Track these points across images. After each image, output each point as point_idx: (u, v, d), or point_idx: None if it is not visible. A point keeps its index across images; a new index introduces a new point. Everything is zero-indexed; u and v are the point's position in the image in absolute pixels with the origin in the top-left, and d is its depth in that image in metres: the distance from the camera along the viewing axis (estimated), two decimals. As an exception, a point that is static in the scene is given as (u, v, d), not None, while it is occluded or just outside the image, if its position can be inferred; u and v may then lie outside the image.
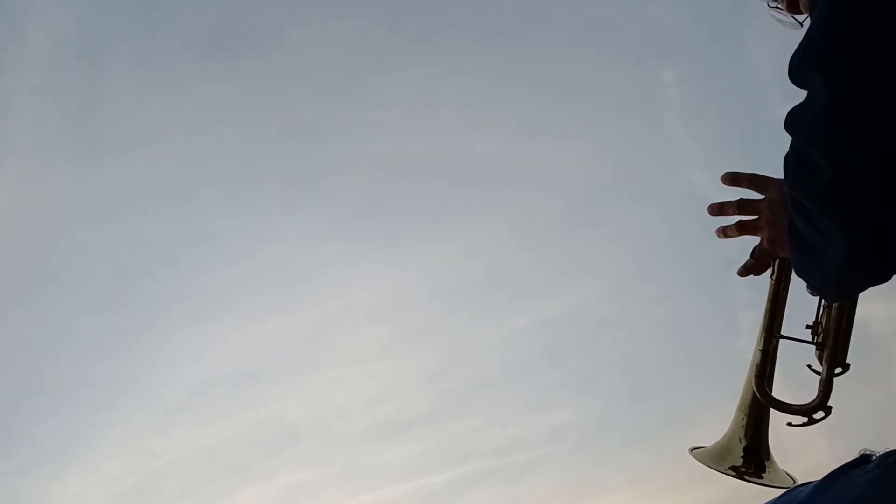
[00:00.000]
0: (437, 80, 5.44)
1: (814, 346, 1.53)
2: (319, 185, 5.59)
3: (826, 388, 1.48)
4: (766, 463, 1.66)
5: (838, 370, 1.49)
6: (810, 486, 1.28)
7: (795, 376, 1.60)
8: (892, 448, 1.22)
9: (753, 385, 1.58)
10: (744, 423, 1.65)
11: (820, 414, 1.48)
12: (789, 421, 1.51)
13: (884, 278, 1.08)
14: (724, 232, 1.48)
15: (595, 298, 5.60)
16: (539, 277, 5.62)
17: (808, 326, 1.54)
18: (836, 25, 0.99)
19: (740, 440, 1.65)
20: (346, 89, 5.45)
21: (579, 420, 5.54)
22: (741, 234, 1.46)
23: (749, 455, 1.65)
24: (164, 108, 5.34)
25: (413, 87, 5.45)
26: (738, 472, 1.65)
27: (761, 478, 1.65)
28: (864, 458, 1.23)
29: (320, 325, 5.66)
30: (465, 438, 5.60)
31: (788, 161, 1.08)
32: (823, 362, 1.50)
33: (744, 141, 4.76)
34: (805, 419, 1.49)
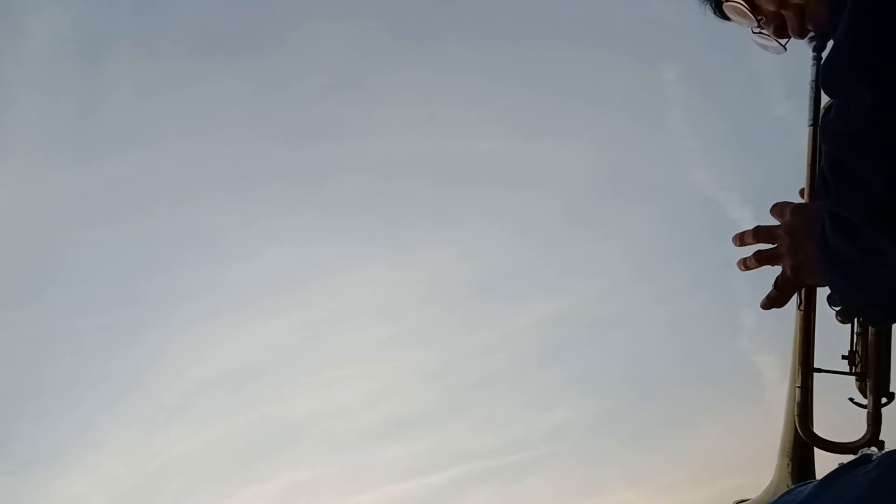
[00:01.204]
0: (437, 80, 5.44)
1: (854, 377, 1.44)
2: (320, 185, 5.59)
3: (875, 422, 1.40)
4: None
5: (884, 400, 1.41)
6: (810, 486, 1.28)
7: (830, 407, 1.52)
8: (892, 448, 1.22)
9: (797, 425, 1.45)
10: (790, 469, 1.52)
11: (873, 450, 1.38)
12: (841, 462, 1.35)
13: None
14: (745, 264, 1.41)
15: (595, 298, 5.60)
16: (539, 277, 5.62)
17: (843, 357, 1.46)
18: (870, 27, 0.97)
19: (788, 486, 1.51)
20: (346, 88, 5.45)
21: (579, 420, 5.54)
22: (761, 265, 1.39)
23: None
24: (164, 106, 5.33)
25: (413, 87, 5.45)
26: None
27: None
28: (864, 458, 1.22)
29: (320, 324, 5.66)
30: (465, 438, 5.60)
31: (826, 177, 1.02)
32: (868, 394, 1.42)
33: (745, 139, 4.76)
34: (856, 457, 1.35)
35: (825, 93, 1.03)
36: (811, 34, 1.35)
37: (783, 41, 1.42)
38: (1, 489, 5.29)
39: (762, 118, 4.58)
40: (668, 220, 5.29)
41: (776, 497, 1.38)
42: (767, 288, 1.44)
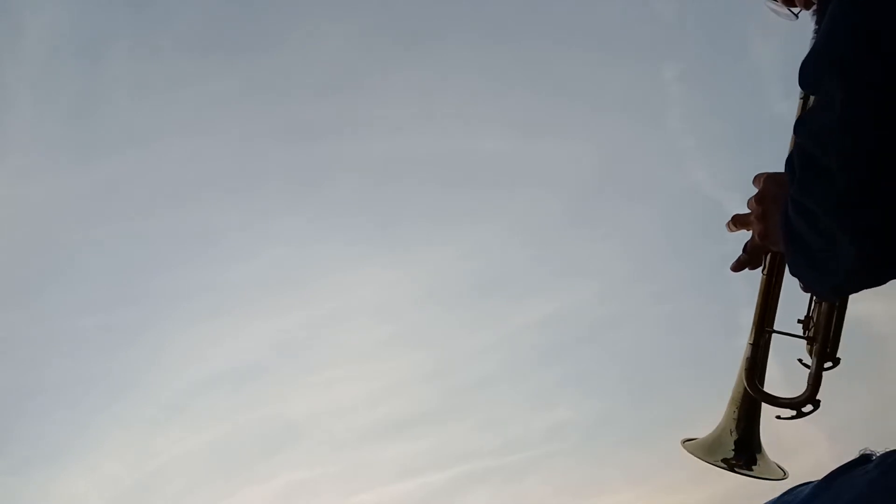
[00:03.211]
0: (436, 79, 5.44)
1: (805, 341, 1.53)
2: (319, 185, 5.59)
3: (815, 383, 1.49)
4: (757, 456, 1.67)
5: (828, 364, 1.49)
6: (810, 486, 1.28)
7: (790, 369, 1.59)
8: (892, 448, 1.22)
9: (744, 379, 1.58)
10: (735, 416, 1.67)
11: (808, 408, 1.48)
12: (778, 414, 1.52)
13: (884, 282, 1.08)
14: (728, 225, 1.49)
15: (595, 297, 5.59)
16: (538, 277, 5.62)
17: (799, 321, 1.54)
18: (849, 28, 0.98)
19: (731, 433, 1.67)
20: (345, 88, 5.45)
21: (579, 419, 5.54)
22: (737, 229, 1.47)
23: (740, 448, 1.66)
24: (163, 106, 5.33)
25: (413, 86, 5.45)
26: (729, 465, 1.67)
27: (752, 470, 1.66)
28: (864, 458, 1.22)
29: (320, 324, 5.66)
30: (464, 438, 5.59)
31: (793, 164, 1.07)
32: (813, 356, 1.50)
33: (745, 138, 4.76)
34: (793, 412, 1.50)
35: (800, 86, 1.06)
36: (814, 6, 1.34)
37: (794, 10, 1.43)
38: (0, 489, 5.30)
39: (762, 117, 4.58)
40: (668, 219, 5.29)
41: (776, 497, 1.38)
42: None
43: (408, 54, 5.41)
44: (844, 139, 0.96)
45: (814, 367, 1.49)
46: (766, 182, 1.34)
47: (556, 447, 5.48)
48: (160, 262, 5.57)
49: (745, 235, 1.51)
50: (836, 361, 1.49)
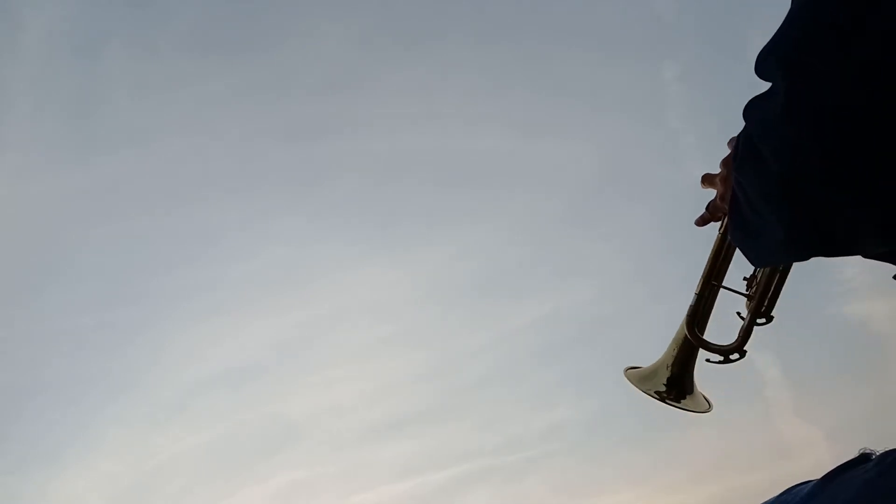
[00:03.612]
0: (435, 78, 5.44)
1: (745, 298, 1.66)
2: (318, 184, 5.59)
3: (744, 335, 1.64)
4: (688, 394, 1.83)
5: (762, 321, 1.63)
6: (809, 484, 1.27)
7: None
8: (891, 447, 1.21)
9: (685, 324, 1.74)
10: (674, 354, 1.82)
11: (735, 356, 1.65)
12: (708, 358, 1.70)
13: (803, 259, 1.18)
14: (701, 181, 1.57)
15: (594, 297, 5.59)
16: (537, 276, 5.62)
17: (745, 279, 1.67)
18: (801, 26, 1.01)
19: (667, 368, 1.83)
20: (345, 87, 5.45)
21: (578, 419, 5.54)
22: (705, 186, 1.54)
23: (672, 383, 1.83)
24: (162, 104, 5.33)
25: (412, 85, 5.45)
26: (660, 396, 1.84)
27: (679, 403, 1.82)
28: (864, 458, 1.22)
29: (319, 323, 5.66)
30: (464, 437, 5.60)
31: (739, 144, 1.12)
32: (748, 311, 1.64)
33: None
34: (721, 358, 1.67)
35: (756, 73, 1.08)
36: None
37: None
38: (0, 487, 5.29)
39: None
40: (667, 218, 5.29)
41: (775, 496, 1.38)
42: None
43: (407, 53, 5.42)
44: (782, 130, 1.00)
45: (746, 320, 1.64)
46: (734, 146, 1.38)
47: (555, 447, 5.49)
48: (160, 261, 5.58)
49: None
50: (770, 319, 1.63)
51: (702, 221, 1.61)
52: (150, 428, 5.55)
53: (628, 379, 1.87)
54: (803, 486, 1.29)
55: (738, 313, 1.67)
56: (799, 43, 1.00)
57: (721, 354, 1.67)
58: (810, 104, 0.97)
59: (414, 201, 5.64)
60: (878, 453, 1.22)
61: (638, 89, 5.24)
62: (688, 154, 5.09)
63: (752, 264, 1.48)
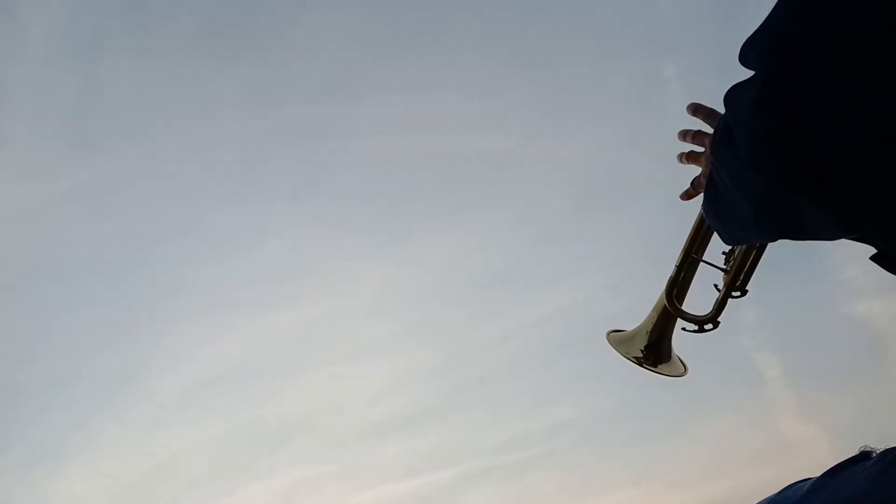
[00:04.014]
0: (439, 73, 5.43)
1: (722, 272, 1.72)
2: (320, 179, 5.59)
3: (719, 306, 1.71)
4: (665, 360, 1.91)
5: (737, 294, 1.69)
6: (809, 482, 1.27)
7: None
8: (892, 445, 1.21)
9: (664, 293, 1.81)
10: (653, 322, 1.90)
11: (709, 326, 1.72)
12: (683, 327, 1.77)
13: (772, 240, 1.25)
14: (680, 157, 1.60)
15: (599, 293, 5.59)
16: (544, 271, 5.61)
17: (723, 253, 1.72)
18: (779, 20, 1.03)
19: (647, 335, 1.91)
20: (347, 81, 5.44)
21: (582, 417, 5.53)
22: (689, 164, 1.58)
23: (650, 348, 1.90)
24: (162, 100, 5.33)
25: (416, 79, 5.45)
26: (638, 361, 1.91)
27: (655, 367, 1.90)
28: (864, 455, 1.22)
29: (321, 320, 5.66)
30: (467, 435, 5.60)
31: (719, 126, 1.14)
32: (724, 284, 1.71)
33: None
34: (696, 328, 1.74)
35: (740, 62, 1.10)
36: None
37: None
38: (-1, 487, 5.29)
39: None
40: (670, 215, 5.28)
41: (775, 493, 1.37)
42: (766, 289, 1.71)
43: (411, 47, 5.41)
44: (754, 120, 1.02)
45: (722, 293, 1.71)
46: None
47: (558, 445, 5.49)
48: (158, 256, 5.58)
49: None
50: (745, 292, 1.69)
51: (686, 196, 1.64)
52: (150, 426, 5.56)
53: (609, 342, 1.94)
54: (803, 483, 1.29)
55: (715, 285, 1.73)
56: (778, 36, 1.02)
57: (696, 324, 1.74)
58: (782, 99, 0.99)
59: (420, 196, 5.64)
60: (878, 451, 1.21)
61: (639, 87, 5.24)
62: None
63: (723, 241, 1.51)
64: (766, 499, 1.36)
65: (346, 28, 5.37)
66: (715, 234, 1.66)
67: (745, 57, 1.08)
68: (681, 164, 1.61)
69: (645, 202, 5.42)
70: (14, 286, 5.42)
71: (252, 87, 5.38)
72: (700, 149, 1.55)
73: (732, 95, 1.10)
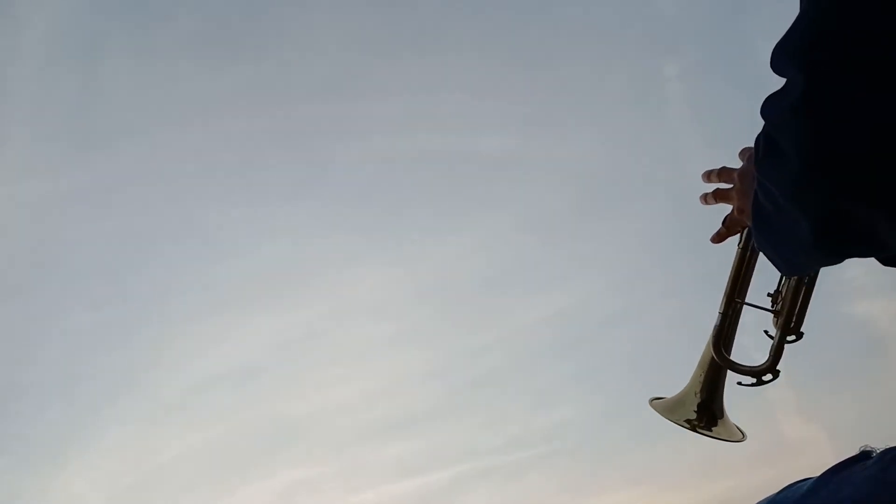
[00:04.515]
0: (439, 73, 5.42)
1: (772, 314, 1.60)
2: (320, 180, 5.58)
3: (776, 354, 1.57)
4: (719, 420, 1.76)
5: (792, 338, 1.57)
6: (809, 481, 1.27)
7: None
8: (892, 445, 1.21)
9: (711, 346, 1.67)
10: (701, 380, 1.76)
11: (768, 377, 1.58)
12: (739, 381, 1.62)
13: (837, 262, 1.13)
14: (705, 198, 1.52)
15: (599, 294, 5.59)
16: (543, 273, 5.61)
17: (769, 295, 1.60)
18: (815, 17, 0.99)
19: (696, 395, 1.76)
20: (347, 81, 5.44)
21: (582, 418, 5.53)
22: (717, 202, 1.50)
23: (702, 410, 1.76)
24: (162, 100, 5.33)
25: (415, 80, 5.44)
26: (691, 425, 1.76)
27: (711, 431, 1.76)
28: (864, 455, 1.22)
29: (321, 321, 5.65)
30: (467, 436, 5.59)
31: (759, 142, 1.09)
32: (777, 329, 1.58)
33: (747, 135, 4.72)
34: (754, 380, 1.59)
35: (772, 69, 1.06)
36: None
37: None
38: (-1, 487, 5.29)
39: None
40: (672, 215, 5.28)
41: (775, 493, 1.37)
42: (767, 289, 1.59)
43: (410, 47, 5.41)
44: (801, 123, 0.98)
45: (776, 338, 1.58)
46: (749, 160, 1.38)
47: (558, 446, 5.48)
48: (159, 257, 5.58)
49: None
50: (800, 335, 1.57)
51: (718, 238, 1.56)
52: (150, 427, 5.55)
53: (655, 410, 1.79)
54: (803, 482, 1.29)
55: (766, 332, 1.60)
56: (813, 36, 0.98)
57: (753, 376, 1.60)
58: (830, 92, 0.95)
59: (416, 199, 5.64)
60: (878, 451, 1.21)
61: (639, 86, 5.24)
62: (689, 151, 5.08)
63: (782, 272, 1.43)
64: (766, 499, 1.36)
65: (346, 28, 5.37)
66: (754, 273, 1.63)
67: (780, 61, 1.03)
68: (702, 202, 1.53)
69: (645, 202, 5.42)
70: (14, 286, 5.42)
71: (252, 87, 5.38)
72: (727, 185, 1.47)
73: (770, 104, 1.06)
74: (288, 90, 5.42)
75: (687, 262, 5.18)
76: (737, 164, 1.46)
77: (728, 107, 5.00)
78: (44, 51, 5.16)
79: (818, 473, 1.28)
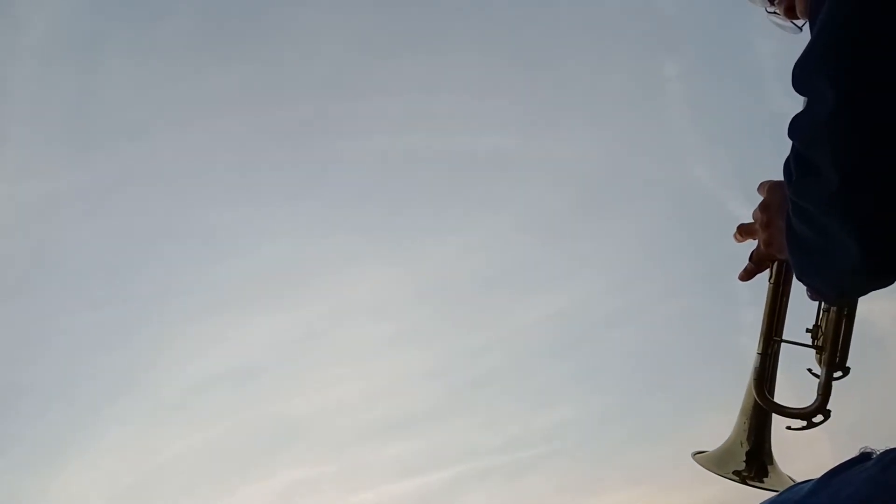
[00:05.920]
0: (439, 72, 5.42)
1: (814, 350, 1.53)
2: (319, 180, 5.58)
3: (825, 392, 1.50)
4: (769, 467, 1.67)
5: (838, 374, 1.50)
6: (810, 483, 1.27)
7: (801, 379, 1.59)
8: (892, 446, 1.21)
9: (753, 389, 1.59)
10: (746, 427, 1.66)
11: (819, 418, 1.50)
12: (788, 425, 1.54)
13: (889, 282, 1.07)
14: (734, 236, 1.50)
15: (599, 294, 5.58)
16: (542, 272, 5.61)
17: (808, 330, 1.54)
18: (841, 30, 0.98)
19: (742, 444, 1.66)
20: (346, 81, 5.43)
21: (581, 418, 5.53)
22: (743, 238, 1.47)
23: (751, 459, 1.66)
24: (162, 100, 5.33)
25: (414, 79, 5.44)
26: (741, 477, 1.65)
27: (763, 482, 1.65)
28: (864, 456, 1.22)
29: (321, 321, 5.65)
30: (466, 436, 5.58)
31: (790, 166, 1.07)
32: (822, 366, 1.51)
33: (746, 135, 4.74)
34: (804, 423, 1.51)
35: (794, 89, 1.05)
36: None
37: (798, 22, 1.41)
38: (-1, 487, 5.29)
39: (763, 114, 4.56)
40: (671, 215, 5.28)
41: (775, 495, 1.37)
42: (766, 289, 1.55)
43: (409, 47, 5.41)
44: (833, 136, 0.96)
45: (823, 376, 1.50)
46: (770, 190, 1.35)
47: (557, 446, 5.48)
48: (159, 257, 5.58)
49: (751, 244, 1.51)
50: (846, 371, 1.50)
51: (746, 275, 1.52)
52: (150, 427, 5.54)
53: (701, 465, 1.68)
54: (804, 484, 1.29)
55: (810, 370, 1.54)
56: (839, 46, 0.97)
57: (802, 419, 1.52)
58: (862, 102, 0.94)
59: (419, 196, 5.63)
60: (878, 452, 1.21)
61: (639, 86, 5.23)
62: (689, 152, 5.08)
63: (830, 302, 1.40)
64: (767, 500, 1.36)
65: (347, 28, 5.37)
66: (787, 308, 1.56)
67: (805, 74, 1.01)
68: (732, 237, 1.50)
69: (645, 202, 5.42)
70: (14, 286, 5.42)
71: (252, 86, 5.38)
72: (749, 220, 1.44)
73: (798, 124, 1.04)
74: (288, 90, 5.42)
75: (687, 262, 5.19)
76: (730, 169, 1.45)
77: (728, 107, 5.01)
78: (44, 51, 5.16)
79: (818, 474, 1.28)
